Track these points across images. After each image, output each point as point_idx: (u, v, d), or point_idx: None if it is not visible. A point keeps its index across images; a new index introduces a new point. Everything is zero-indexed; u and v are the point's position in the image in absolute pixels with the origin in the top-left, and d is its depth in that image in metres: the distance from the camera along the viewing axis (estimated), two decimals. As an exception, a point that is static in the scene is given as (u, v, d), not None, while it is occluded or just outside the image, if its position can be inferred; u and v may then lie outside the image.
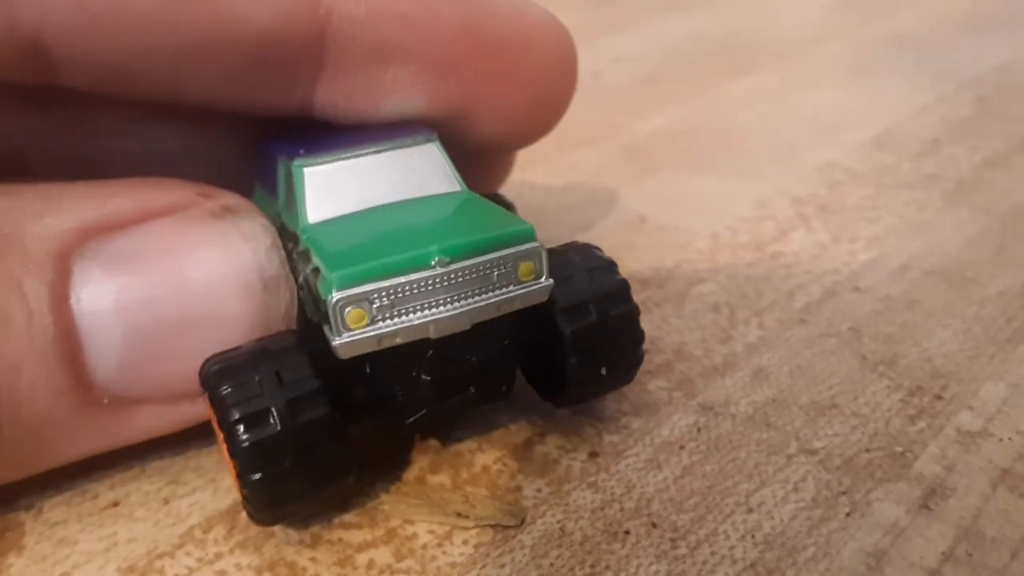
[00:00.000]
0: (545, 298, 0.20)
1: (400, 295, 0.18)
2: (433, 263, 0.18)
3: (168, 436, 0.22)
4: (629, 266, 0.31)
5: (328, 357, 0.19)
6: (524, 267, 0.20)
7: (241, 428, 0.18)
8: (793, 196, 0.36)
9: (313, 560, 0.20)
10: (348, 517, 0.21)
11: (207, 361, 0.19)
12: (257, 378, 0.18)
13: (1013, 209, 0.34)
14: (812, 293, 0.29)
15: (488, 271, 0.19)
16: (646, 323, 0.28)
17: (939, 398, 0.24)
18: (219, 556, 0.20)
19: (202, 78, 0.21)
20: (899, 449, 0.22)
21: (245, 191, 0.23)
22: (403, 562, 0.20)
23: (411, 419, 0.21)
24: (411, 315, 0.19)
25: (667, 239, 0.33)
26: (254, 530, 0.21)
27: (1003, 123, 0.43)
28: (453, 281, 0.19)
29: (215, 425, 0.19)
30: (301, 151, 0.22)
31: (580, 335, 0.21)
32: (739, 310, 0.28)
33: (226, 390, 0.18)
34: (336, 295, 0.18)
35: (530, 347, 0.22)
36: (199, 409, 0.21)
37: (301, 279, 0.20)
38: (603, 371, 0.22)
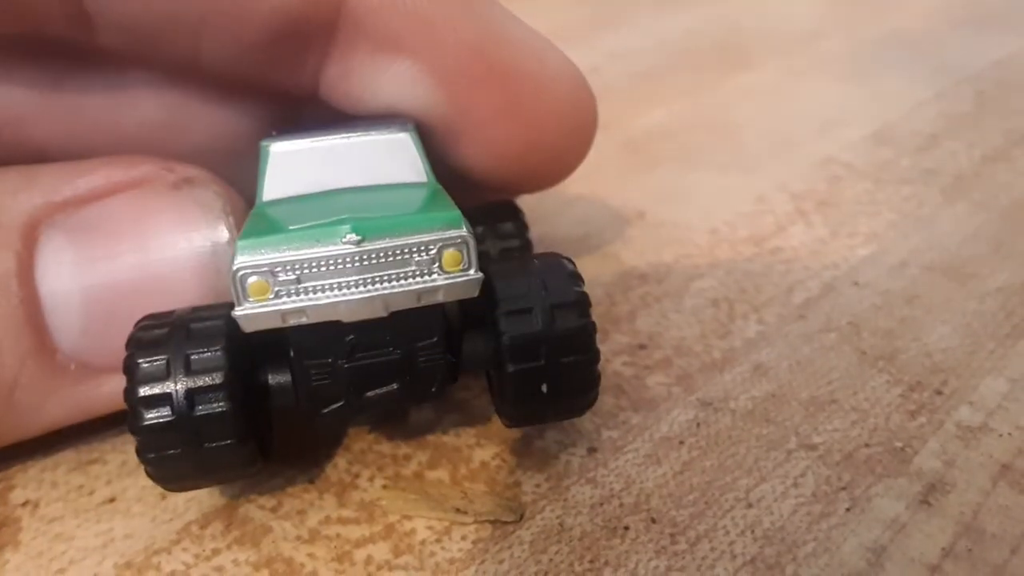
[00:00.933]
0: (474, 293, 0.19)
1: (306, 270, 0.18)
2: (343, 240, 0.17)
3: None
4: (627, 261, 0.31)
5: (253, 336, 0.18)
6: (449, 256, 0.18)
7: (139, 408, 0.18)
8: (792, 191, 0.36)
9: (311, 556, 0.20)
10: (346, 512, 0.21)
11: (138, 323, 0.19)
12: (167, 358, 0.18)
13: (1012, 204, 0.34)
14: (811, 288, 0.29)
15: (406, 255, 0.18)
16: (645, 319, 0.28)
17: (939, 393, 0.24)
18: (216, 552, 0.20)
19: (221, 46, 0.22)
20: (899, 444, 0.22)
21: (251, 175, 0.23)
22: (401, 558, 0.20)
23: (326, 410, 0.19)
24: (319, 294, 0.18)
25: (666, 234, 0.33)
26: (251, 526, 0.21)
27: (1002, 118, 0.43)
28: (366, 262, 0.18)
29: None
30: (273, 132, 0.22)
31: (520, 341, 0.19)
32: (738, 305, 0.28)
33: (136, 363, 0.18)
34: (237, 262, 0.17)
35: (476, 352, 0.20)
36: None
37: None
38: (544, 388, 0.19)
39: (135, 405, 0.18)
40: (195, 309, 0.19)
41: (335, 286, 0.18)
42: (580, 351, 0.19)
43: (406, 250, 0.18)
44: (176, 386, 0.18)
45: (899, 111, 0.44)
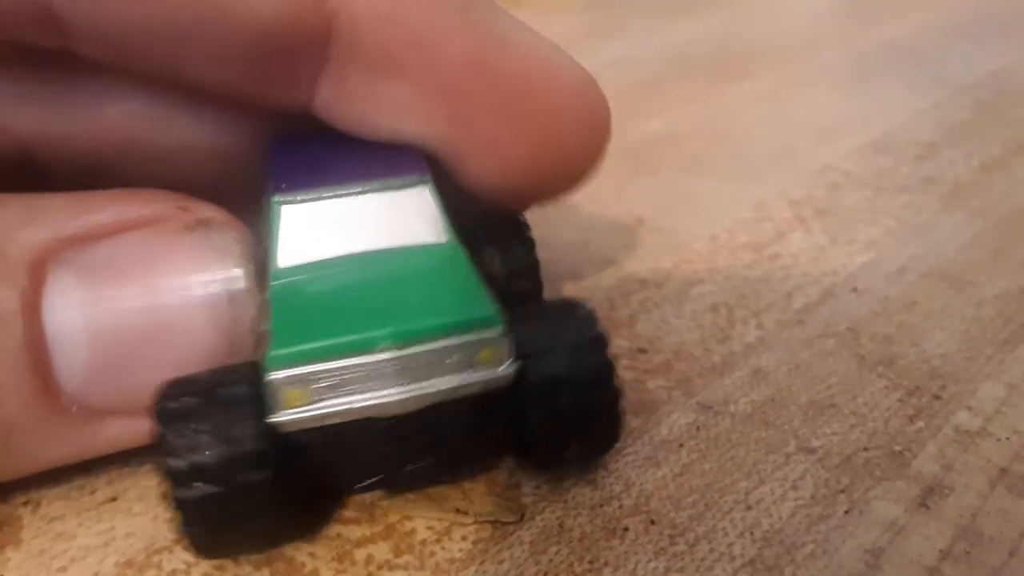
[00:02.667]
0: (508, 383, 0.19)
1: (345, 377, 0.18)
2: (380, 347, 0.18)
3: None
4: (627, 267, 0.31)
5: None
6: (485, 353, 0.19)
7: (178, 481, 0.17)
8: (791, 198, 0.36)
9: (311, 555, 0.20)
10: (347, 512, 0.21)
11: (161, 391, 0.18)
12: (203, 429, 0.17)
13: (1010, 212, 0.34)
14: (810, 294, 0.29)
15: (443, 357, 0.18)
16: (645, 323, 0.28)
17: (937, 398, 0.24)
18: (217, 551, 0.20)
19: (204, 60, 0.21)
20: (898, 448, 0.22)
21: (253, 195, 0.22)
22: (402, 558, 0.20)
23: (361, 484, 0.20)
24: (356, 396, 0.18)
25: (665, 240, 0.33)
26: (252, 525, 0.21)
27: (1000, 127, 0.43)
28: (403, 366, 0.18)
29: None
30: (283, 184, 0.21)
31: (547, 418, 0.19)
32: (737, 310, 0.29)
33: (171, 436, 0.17)
34: (273, 375, 0.17)
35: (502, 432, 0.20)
36: None
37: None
38: (569, 452, 0.20)
39: (171, 478, 0.17)
40: (215, 374, 0.19)
41: (372, 387, 0.18)
42: (605, 418, 0.20)
43: (444, 352, 0.18)
44: (218, 457, 0.17)
45: (898, 120, 0.45)
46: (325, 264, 0.20)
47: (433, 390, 0.18)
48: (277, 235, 0.20)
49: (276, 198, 0.21)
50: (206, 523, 0.18)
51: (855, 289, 0.29)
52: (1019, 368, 0.25)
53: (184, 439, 0.17)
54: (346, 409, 0.18)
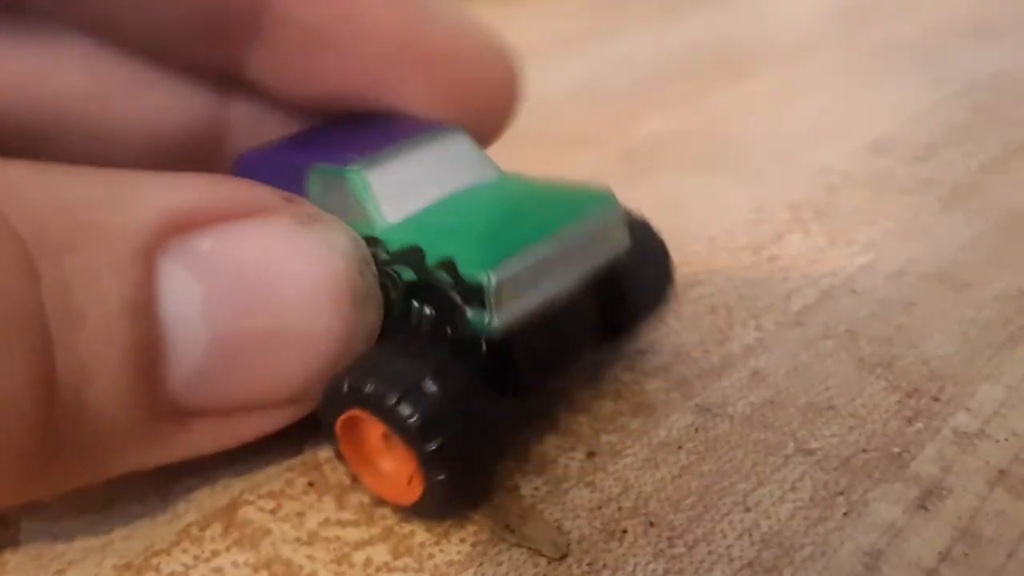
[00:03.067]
0: (626, 246, 0.22)
1: (535, 269, 0.20)
2: (554, 235, 0.20)
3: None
4: (627, 268, 0.31)
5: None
6: (614, 232, 0.22)
7: (425, 435, 0.18)
8: (790, 200, 0.36)
9: (310, 558, 0.20)
10: (345, 515, 0.21)
11: (350, 379, 0.19)
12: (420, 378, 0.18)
13: (1009, 214, 0.34)
14: (809, 296, 0.29)
15: (594, 239, 0.21)
16: (644, 325, 0.28)
17: (936, 400, 0.24)
18: (216, 553, 0.20)
19: (138, 16, 0.21)
20: (896, 450, 0.22)
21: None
22: (400, 560, 0.20)
23: (558, 372, 0.22)
24: (545, 283, 0.20)
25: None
26: (251, 528, 0.21)
27: (999, 128, 0.43)
28: (572, 250, 0.21)
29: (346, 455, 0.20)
30: (345, 155, 0.21)
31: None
32: (736, 312, 0.29)
33: (404, 401, 0.18)
34: (493, 276, 0.19)
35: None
36: (268, 421, 0.20)
37: (399, 284, 0.20)
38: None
39: (425, 432, 0.18)
40: (389, 347, 0.20)
41: (554, 275, 0.20)
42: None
43: (594, 234, 0.21)
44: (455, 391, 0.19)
45: (897, 121, 0.45)
46: (433, 209, 0.21)
47: (591, 265, 0.21)
48: (371, 198, 0.21)
49: (351, 169, 0.21)
50: (456, 467, 0.19)
51: (854, 291, 0.29)
52: (1018, 370, 0.25)
53: (416, 393, 0.18)
54: (546, 297, 0.20)
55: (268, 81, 0.23)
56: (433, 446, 0.18)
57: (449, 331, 0.20)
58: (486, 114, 0.26)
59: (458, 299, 0.19)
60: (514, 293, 0.19)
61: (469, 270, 0.19)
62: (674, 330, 0.28)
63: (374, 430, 0.19)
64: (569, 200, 0.21)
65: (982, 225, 0.34)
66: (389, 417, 0.18)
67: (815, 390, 0.25)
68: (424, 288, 0.20)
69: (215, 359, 0.18)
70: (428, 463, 0.18)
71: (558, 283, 0.20)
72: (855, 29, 0.61)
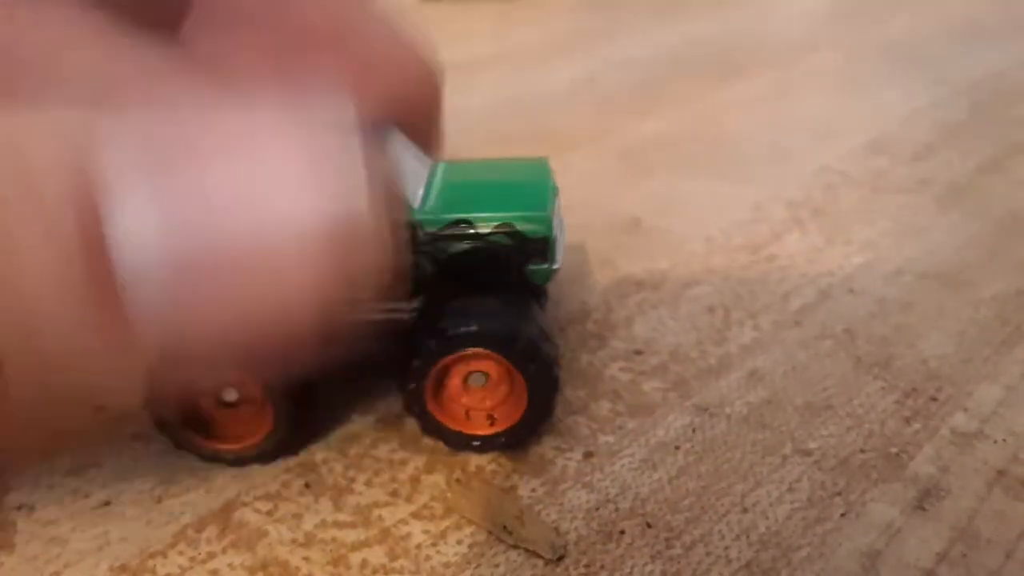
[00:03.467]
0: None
1: (557, 222, 0.23)
2: (554, 194, 0.24)
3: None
4: (624, 268, 0.31)
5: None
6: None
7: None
8: (788, 200, 0.36)
9: (306, 559, 0.20)
10: (342, 516, 0.21)
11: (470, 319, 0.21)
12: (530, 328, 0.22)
13: (1006, 213, 0.34)
14: (806, 295, 0.29)
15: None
16: (642, 325, 0.28)
17: (934, 400, 0.24)
18: (212, 555, 0.20)
19: None
20: (894, 450, 0.22)
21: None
22: (397, 561, 0.20)
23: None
24: (560, 235, 0.23)
25: (661, 241, 0.33)
26: (247, 529, 0.21)
27: (996, 128, 0.43)
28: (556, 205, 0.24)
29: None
30: None
31: None
32: (734, 312, 0.28)
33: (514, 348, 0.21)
34: (553, 229, 0.22)
35: None
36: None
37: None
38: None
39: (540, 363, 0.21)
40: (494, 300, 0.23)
41: (558, 226, 0.23)
42: None
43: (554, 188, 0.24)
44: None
45: (894, 121, 0.45)
46: (439, 191, 0.23)
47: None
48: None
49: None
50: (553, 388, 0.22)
51: (852, 290, 0.29)
52: (1016, 370, 0.25)
53: (527, 331, 0.21)
54: (561, 240, 0.24)
55: (199, 57, 0.24)
56: (545, 372, 0.21)
57: (510, 279, 0.23)
58: (407, 102, 0.25)
59: (518, 255, 0.22)
60: (558, 242, 0.23)
61: (531, 228, 0.22)
62: (671, 330, 0.28)
63: (457, 375, 0.22)
64: (525, 168, 0.25)
65: (980, 225, 0.33)
66: (510, 354, 0.21)
67: (813, 390, 0.25)
68: (473, 253, 0.22)
69: (175, 282, 0.14)
70: (532, 382, 0.22)
71: (559, 228, 0.23)
72: (853, 29, 0.61)
